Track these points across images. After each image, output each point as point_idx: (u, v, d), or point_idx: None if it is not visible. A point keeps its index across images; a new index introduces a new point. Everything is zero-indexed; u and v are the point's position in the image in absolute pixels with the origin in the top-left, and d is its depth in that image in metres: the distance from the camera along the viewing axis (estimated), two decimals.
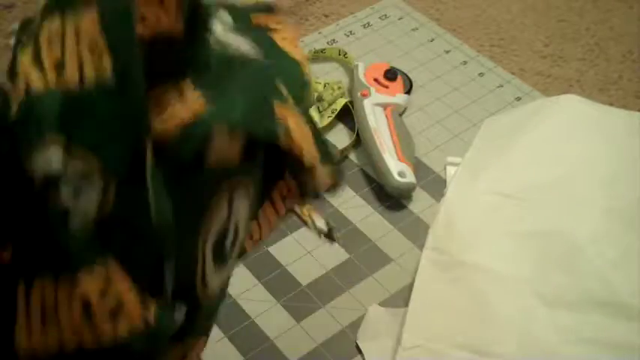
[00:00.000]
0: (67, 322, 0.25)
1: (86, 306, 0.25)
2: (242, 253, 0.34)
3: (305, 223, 0.52)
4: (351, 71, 0.67)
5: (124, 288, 0.25)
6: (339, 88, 0.65)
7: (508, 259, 0.51)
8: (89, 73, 0.25)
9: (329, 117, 0.63)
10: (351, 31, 0.73)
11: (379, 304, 0.50)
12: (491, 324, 0.48)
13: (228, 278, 0.33)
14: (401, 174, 0.57)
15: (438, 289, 0.50)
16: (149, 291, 0.26)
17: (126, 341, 0.25)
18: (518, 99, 0.66)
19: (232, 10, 0.31)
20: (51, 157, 0.24)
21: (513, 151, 0.58)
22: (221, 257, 0.30)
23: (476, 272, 0.50)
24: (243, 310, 0.50)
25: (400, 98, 0.64)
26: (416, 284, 0.50)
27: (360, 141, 0.61)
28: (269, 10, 0.33)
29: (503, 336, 0.47)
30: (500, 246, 0.52)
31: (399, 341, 0.47)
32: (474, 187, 0.56)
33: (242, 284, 0.52)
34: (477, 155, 0.60)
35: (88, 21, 0.26)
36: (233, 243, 0.31)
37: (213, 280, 0.30)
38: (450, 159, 0.60)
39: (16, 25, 0.29)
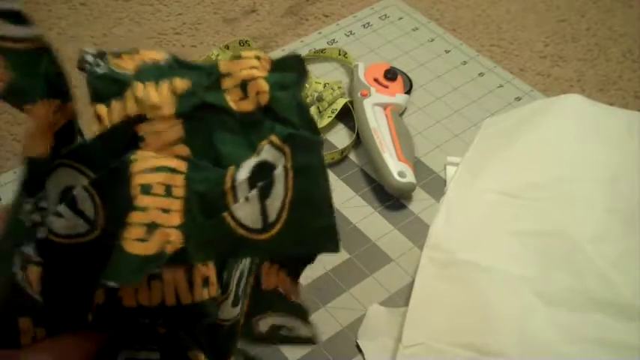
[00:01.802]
0: (171, 286, 0.30)
1: (189, 275, 0.30)
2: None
3: None
4: (351, 71, 0.67)
5: (211, 272, 0.31)
6: (339, 88, 0.65)
7: (508, 258, 0.51)
8: None
9: (329, 117, 0.63)
10: (351, 31, 0.73)
11: (379, 304, 0.50)
12: (491, 323, 0.48)
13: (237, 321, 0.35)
14: (401, 174, 0.57)
15: (439, 288, 0.50)
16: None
17: (207, 303, 0.31)
18: (518, 99, 0.66)
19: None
20: None
21: (514, 150, 0.58)
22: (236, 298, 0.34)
23: (476, 271, 0.50)
24: None
25: (400, 98, 0.64)
26: (416, 283, 0.50)
27: (360, 141, 0.61)
28: None
29: (503, 335, 0.47)
30: (500, 245, 0.52)
31: (399, 340, 0.47)
32: (474, 186, 0.56)
33: None
34: (477, 155, 0.60)
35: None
36: (245, 286, 0.35)
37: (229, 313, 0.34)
38: (450, 159, 0.60)
39: (90, 53, 0.31)
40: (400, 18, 0.75)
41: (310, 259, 0.39)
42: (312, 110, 0.64)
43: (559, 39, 0.74)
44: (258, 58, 0.31)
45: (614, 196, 0.54)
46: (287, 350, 0.47)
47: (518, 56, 0.72)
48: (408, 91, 0.66)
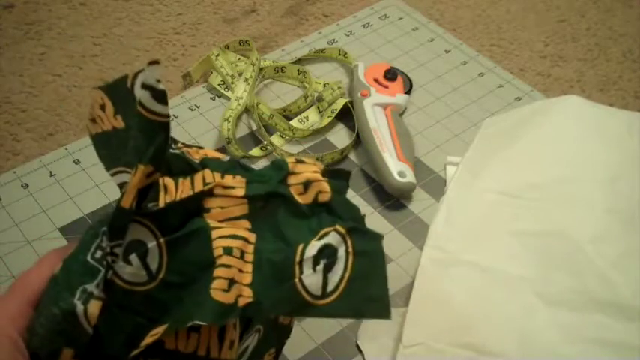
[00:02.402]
0: (205, 339, 0.35)
1: (220, 335, 0.35)
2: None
3: None
4: (351, 71, 0.67)
5: (236, 337, 0.36)
6: (339, 88, 0.65)
7: (508, 258, 0.51)
8: None
9: (329, 117, 0.63)
10: (351, 31, 0.73)
11: None
12: (491, 323, 0.48)
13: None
14: (401, 174, 0.57)
15: (439, 288, 0.50)
16: None
17: None
18: (518, 99, 0.66)
19: None
20: None
21: (514, 151, 0.58)
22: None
23: (476, 271, 0.51)
24: None
25: (400, 98, 0.64)
26: (416, 282, 0.50)
27: (360, 141, 0.61)
28: None
29: (503, 335, 0.47)
30: (500, 245, 0.52)
31: (399, 340, 0.47)
32: (475, 186, 0.56)
33: None
34: (477, 155, 0.60)
35: None
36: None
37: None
38: (450, 159, 0.60)
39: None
40: (400, 18, 0.75)
41: None
42: (312, 110, 0.64)
43: (559, 39, 0.74)
44: (315, 164, 0.38)
45: (614, 197, 0.54)
46: (287, 350, 0.47)
47: (518, 56, 0.72)
48: (408, 91, 0.66)
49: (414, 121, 0.64)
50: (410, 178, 0.57)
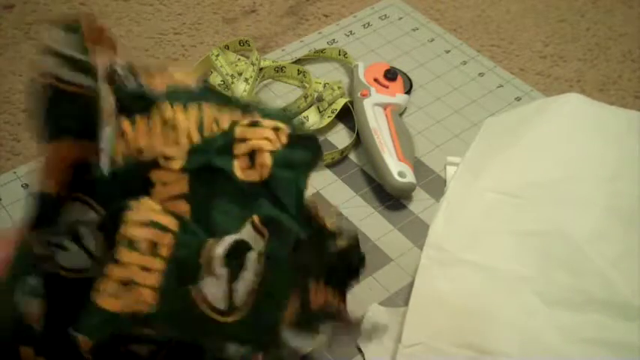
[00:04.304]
0: None
1: None
2: None
3: None
4: (351, 71, 0.67)
5: None
6: (339, 88, 0.65)
7: (508, 258, 0.51)
8: None
9: (329, 117, 0.63)
10: (351, 31, 0.73)
11: (379, 304, 0.50)
12: (491, 322, 0.48)
13: None
14: (401, 174, 0.57)
15: (439, 287, 0.50)
16: None
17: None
18: (518, 99, 0.66)
19: None
20: None
21: (514, 150, 0.58)
22: None
23: (476, 270, 0.50)
24: None
25: (400, 98, 0.64)
26: (416, 282, 0.50)
27: (360, 141, 0.61)
28: None
29: (503, 335, 0.47)
30: (500, 244, 0.52)
31: (399, 340, 0.47)
32: (475, 185, 0.56)
33: None
34: (477, 154, 0.60)
35: None
36: None
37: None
38: (450, 159, 0.60)
39: (121, 66, 0.32)
40: (400, 18, 0.75)
41: (357, 274, 0.39)
42: (312, 110, 0.64)
43: (559, 39, 0.74)
44: (276, 129, 0.31)
45: (614, 196, 0.54)
46: None
47: (518, 56, 0.72)
48: (408, 91, 0.66)
49: (414, 121, 0.64)
50: (410, 178, 0.57)
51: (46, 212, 0.30)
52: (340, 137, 0.63)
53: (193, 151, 0.31)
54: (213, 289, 0.28)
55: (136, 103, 0.31)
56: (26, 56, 0.70)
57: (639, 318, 0.48)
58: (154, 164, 0.30)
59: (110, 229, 0.29)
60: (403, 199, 0.58)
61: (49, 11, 0.75)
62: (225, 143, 0.31)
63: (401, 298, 0.51)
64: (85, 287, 0.29)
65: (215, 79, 0.67)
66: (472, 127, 0.63)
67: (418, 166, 0.60)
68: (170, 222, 0.29)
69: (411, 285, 0.51)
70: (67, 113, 0.29)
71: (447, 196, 0.56)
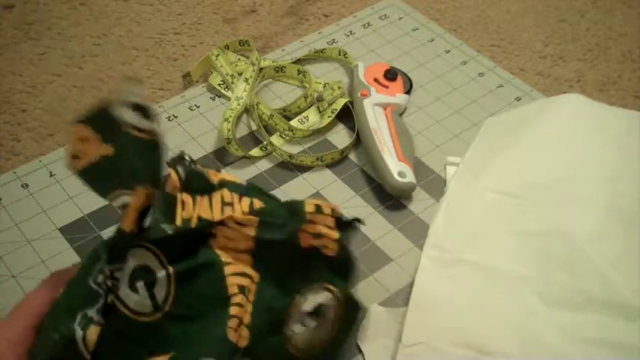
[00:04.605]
0: None
1: None
2: None
3: None
4: (351, 71, 0.67)
5: None
6: (339, 88, 0.65)
7: (508, 258, 0.51)
8: None
9: (329, 117, 0.63)
10: (351, 31, 0.73)
11: (379, 304, 0.50)
12: (491, 322, 0.48)
13: None
14: (401, 174, 0.57)
15: (439, 287, 0.50)
16: None
17: None
18: (518, 99, 0.66)
19: None
20: None
21: (514, 150, 0.58)
22: None
23: (476, 270, 0.50)
24: None
25: (400, 98, 0.64)
26: (416, 282, 0.50)
27: (360, 141, 0.61)
28: None
29: (504, 335, 0.47)
30: (500, 244, 0.52)
31: (399, 340, 0.47)
32: (475, 185, 0.56)
33: None
34: (477, 154, 0.60)
35: None
36: None
37: None
38: (450, 159, 0.60)
39: (188, 155, 0.37)
40: (400, 18, 0.75)
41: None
42: (312, 110, 0.64)
43: (559, 39, 0.74)
44: (332, 215, 0.38)
45: (614, 196, 0.54)
46: None
47: (518, 56, 0.72)
48: (408, 91, 0.66)
49: (414, 121, 0.64)
50: (410, 178, 0.57)
51: (119, 249, 0.33)
52: (340, 137, 0.63)
53: (265, 223, 0.36)
54: (302, 336, 0.36)
55: (200, 184, 0.36)
56: (26, 56, 0.70)
57: (639, 318, 0.48)
58: (219, 224, 0.35)
59: (195, 276, 0.34)
60: (403, 199, 0.58)
61: (49, 11, 0.75)
62: (297, 226, 0.37)
63: (401, 298, 0.51)
64: (139, 328, 0.33)
65: (215, 79, 0.67)
66: (472, 127, 0.63)
67: (418, 166, 0.60)
68: (252, 273, 0.35)
69: (411, 285, 0.51)
70: (146, 160, 0.33)
71: (447, 196, 0.56)
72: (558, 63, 0.71)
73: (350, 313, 0.37)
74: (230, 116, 0.61)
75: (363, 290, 0.52)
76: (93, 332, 0.32)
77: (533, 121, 0.60)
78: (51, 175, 0.59)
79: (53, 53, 0.71)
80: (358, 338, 0.48)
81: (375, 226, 0.56)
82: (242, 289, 0.34)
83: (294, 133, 0.62)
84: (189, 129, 0.63)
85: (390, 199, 0.58)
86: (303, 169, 0.60)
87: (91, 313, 0.33)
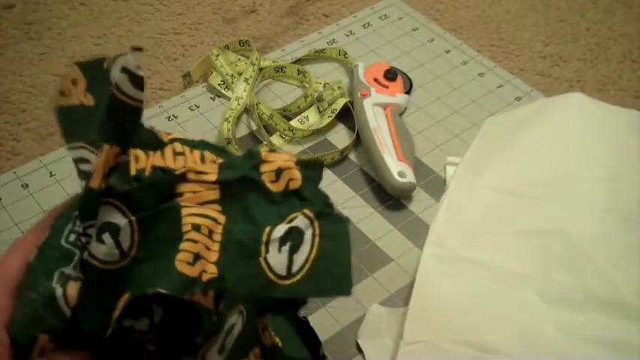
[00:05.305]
0: None
1: None
2: None
3: None
4: (351, 71, 0.67)
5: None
6: (339, 88, 0.65)
7: (509, 256, 0.51)
8: None
9: (329, 117, 0.63)
10: (351, 31, 0.73)
11: (379, 304, 0.50)
12: (492, 320, 0.48)
13: None
14: (401, 174, 0.57)
15: (440, 285, 0.50)
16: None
17: (203, 310, 0.36)
18: (518, 99, 0.66)
19: None
20: None
21: (515, 149, 0.58)
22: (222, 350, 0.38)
23: (477, 268, 0.51)
24: None
25: (400, 98, 0.64)
26: (417, 280, 0.50)
27: (360, 141, 0.61)
28: None
29: (504, 333, 0.47)
30: (501, 243, 0.52)
31: (400, 338, 0.47)
32: (476, 184, 0.56)
33: None
34: (478, 153, 0.60)
35: None
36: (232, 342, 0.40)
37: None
38: (450, 159, 0.60)
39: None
40: (400, 18, 0.75)
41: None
42: (312, 110, 0.64)
43: (559, 39, 0.74)
44: (288, 155, 0.39)
45: (614, 195, 0.54)
46: None
47: (518, 56, 0.72)
48: (408, 91, 0.66)
49: (414, 121, 0.64)
50: (410, 178, 0.57)
51: (90, 206, 0.34)
52: (340, 137, 0.63)
53: (224, 166, 0.37)
54: (276, 260, 0.35)
55: (151, 140, 0.37)
56: (26, 56, 0.70)
57: (639, 317, 0.48)
58: (181, 179, 0.36)
59: (157, 222, 0.35)
60: (403, 199, 0.58)
61: (49, 11, 0.75)
62: (254, 163, 0.37)
63: (401, 298, 0.51)
64: (109, 276, 0.34)
65: (215, 79, 0.67)
66: (472, 127, 0.63)
67: (418, 166, 0.60)
68: (218, 216, 0.36)
69: (411, 285, 0.51)
70: (121, 123, 0.33)
71: (448, 195, 0.56)
72: (558, 63, 0.71)
73: (333, 227, 0.36)
74: (230, 116, 0.61)
75: (363, 290, 0.52)
76: (73, 288, 0.33)
77: (534, 120, 0.60)
78: (51, 175, 0.59)
79: (53, 53, 0.71)
80: (358, 338, 0.49)
81: (375, 226, 0.56)
82: (196, 227, 0.35)
83: (294, 133, 0.62)
84: (189, 129, 0.63)
85: (390, 199, 0.58)
86: None
87: (68, 270, 0.33)
